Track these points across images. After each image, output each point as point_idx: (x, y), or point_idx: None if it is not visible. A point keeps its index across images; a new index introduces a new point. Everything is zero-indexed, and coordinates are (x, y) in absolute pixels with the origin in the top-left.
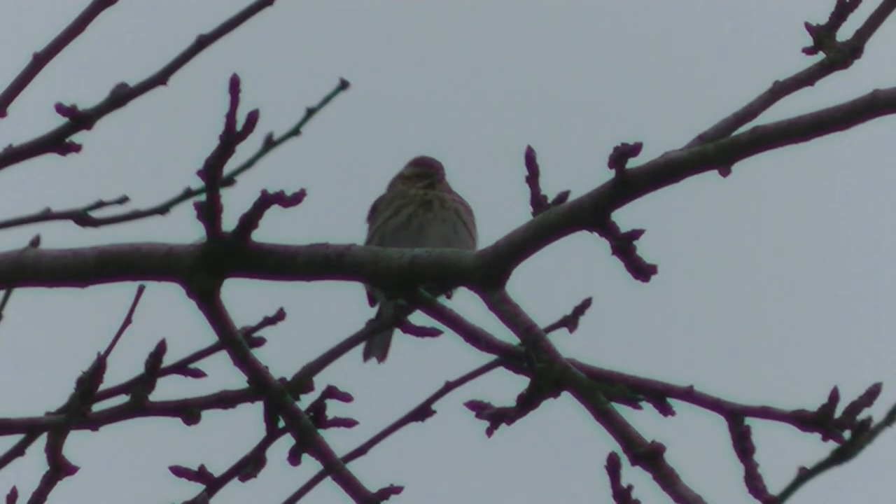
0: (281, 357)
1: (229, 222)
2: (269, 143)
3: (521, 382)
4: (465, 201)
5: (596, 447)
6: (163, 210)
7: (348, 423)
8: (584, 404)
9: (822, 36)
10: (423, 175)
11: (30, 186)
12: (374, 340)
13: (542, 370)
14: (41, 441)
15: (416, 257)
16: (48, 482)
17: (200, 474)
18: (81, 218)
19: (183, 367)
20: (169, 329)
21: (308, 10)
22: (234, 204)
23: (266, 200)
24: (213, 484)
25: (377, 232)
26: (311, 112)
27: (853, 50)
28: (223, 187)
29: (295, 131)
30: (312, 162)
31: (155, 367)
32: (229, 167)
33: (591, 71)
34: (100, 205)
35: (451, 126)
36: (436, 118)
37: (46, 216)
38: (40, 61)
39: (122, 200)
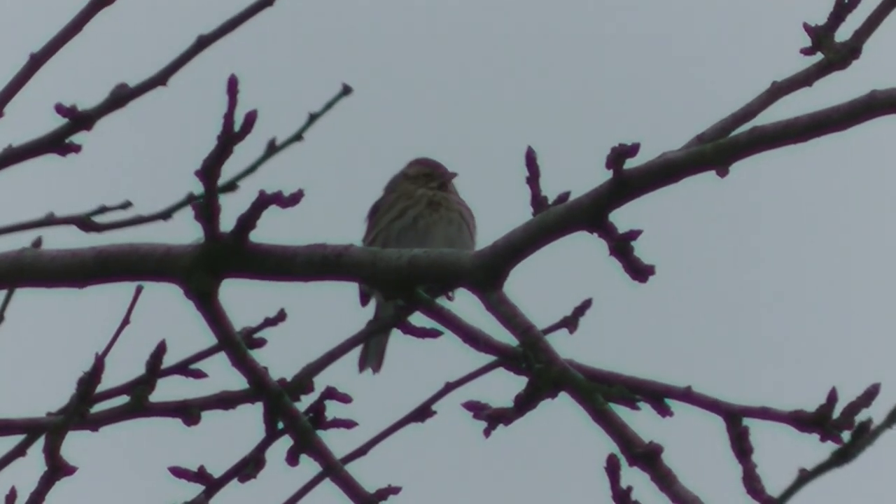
0: (281, 358)
1: (228, 223)
2: (272, 148)
3: (521, 383)
4: (468, 205)
5: (594, 448)
6: (166, 215)
7: (348, 424)
8: (583, 405)
9: (820, 36)
10: (430, 175)
11: (30, 186)
12: (369, 349)
13: (541, 371)
14: (42, 441)
15: (415, 258)
16: (46, 483)
17: (200, 475)
18: (85, 223)
19: (184, 368)
20: (168, 330)
21: (308, 10)
22: (234, 205)
23: (264, 201)
24: (212, 485)
25: (380, 234)
26: (313, 117)
27: (851, 50)
28: (225, 192)
29: (297, 136)
30: (314, 167)
31: (155, 367)
32: (232, 172)
33: (590, 71)
34: (103, 210)
35: (451, 127)
36: (436, 119)
37: (50, 221)
38: (37, 62)
39: (126, 206)
